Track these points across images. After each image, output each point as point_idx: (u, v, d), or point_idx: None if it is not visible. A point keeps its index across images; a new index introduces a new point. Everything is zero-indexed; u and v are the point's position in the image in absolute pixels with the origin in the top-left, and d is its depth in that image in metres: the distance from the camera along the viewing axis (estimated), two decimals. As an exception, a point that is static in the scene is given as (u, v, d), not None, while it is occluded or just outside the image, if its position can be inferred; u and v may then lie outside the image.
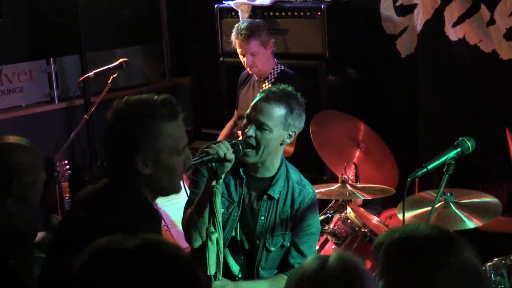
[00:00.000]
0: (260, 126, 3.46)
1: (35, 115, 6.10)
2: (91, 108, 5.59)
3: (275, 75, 5.26)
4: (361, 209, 4.72)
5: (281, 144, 3.55)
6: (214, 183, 3.18)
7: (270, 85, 5.13)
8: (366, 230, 4.30)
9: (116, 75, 5.56)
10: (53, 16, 6.13)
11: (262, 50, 5.25)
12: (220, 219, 3.13)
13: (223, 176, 3.25)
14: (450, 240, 2.16)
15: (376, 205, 5.50)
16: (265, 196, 3.56)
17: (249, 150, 3.44)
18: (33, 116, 6.08)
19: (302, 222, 3.60)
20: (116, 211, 2.56)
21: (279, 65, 5.36)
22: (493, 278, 3.65)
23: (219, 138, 5.50)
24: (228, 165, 3.23)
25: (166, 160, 2.60)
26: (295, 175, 3.64)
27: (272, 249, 3.58)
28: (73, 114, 6.04)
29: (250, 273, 3.62)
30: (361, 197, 4.48)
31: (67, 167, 5.34)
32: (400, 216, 3.67)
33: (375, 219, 4.64)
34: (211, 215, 3.10)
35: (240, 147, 3.37)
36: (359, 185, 4.62)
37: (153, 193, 2.66)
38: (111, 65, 5.61)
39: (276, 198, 3.56)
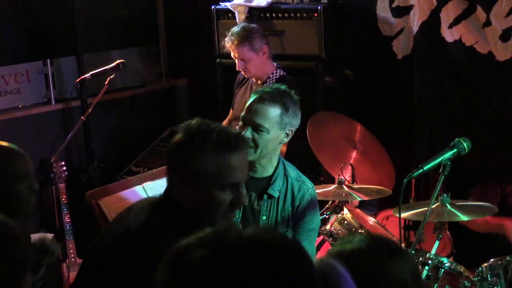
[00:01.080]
0: (257, 128, 3.49)
1: (32, 116, 6.09)
2: (88, 110, 5.59)
3: (274, 80, 5.23)
4: (358, 210, 4.74)
5: (279, 144, 3.56)
6: None
7: None
8: (362, 231, 4.31)
9: (112, 76, 5.57)
10: (50, 17, 6.13)
11: (254, 55, 5.21)
12: None
13: None
14: (386, 252, 2.12)
15: (373, 206, 5.50)
16: (265, 196, 3.56)
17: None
18: (29, 117, 6.08)
19: (303, 218, 3.61)
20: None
21: (278, 70, 5.33)
22: (489, 279, 3.66)
23: None
24: None
25: (205, 188, 2.56)
26: (293, 172, 3.65)
27: None
28: (69, 115, 6.04)
29: None
30: (358, 198, 4.49)
31: (64, 168, 5.34)
32: (396, 216, 3.68)
33: (371, 220, 4.65)
34: None
35: None
36: (355, 186, 4.63)
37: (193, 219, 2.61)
38: (107, 67, 5.61)
39: (276, 196, 3.57)
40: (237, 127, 3.59)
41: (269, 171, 3.59)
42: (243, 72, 5.32)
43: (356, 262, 2.05)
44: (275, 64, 5.37)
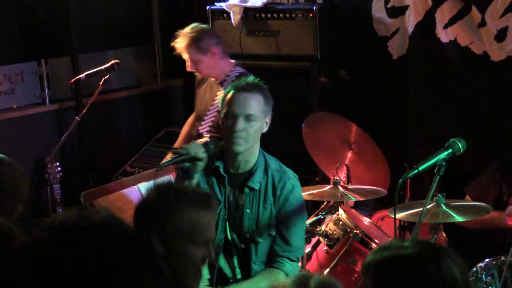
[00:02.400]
0: (248, 118, 3.55)
1: (27, 117, 6.08)
2: (82, 110, 5.58)
3: (233, 78, 5.20)
4: (353, 210, 4.73)
5: (260, 133, 3.64)
6: (186, 183, 3.26)
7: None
8: (358, 232, 4.31)
9: (107, 76, 5.55)
10: (44, 18, 6.11)
11: (202, 57, 5.15)
12: None
13: (195, 176, 3.32)
14: (435, 255, 2.20)
15: (368, 206, 5.50)
16: (246, 189, 3.58)
17: (239, 139, 3.52)
18: (24, 118, 6.06)
19: (285, 209, 3.61)
20: None
21: (237, 68, 5.28)
22: (484, 279, 3.66)
23: (180, 138, 5.48)
24: (200, 164, 3.34)
25: (180, 245, 2.61)
26: (274, 164, 3.68)
27: (260, 240, 3.59)
28: (64, 116, 6.02)
29: (246, 271, 3.62)
30: (353, 198, 4.49)
31: (59, 169, 5.33)
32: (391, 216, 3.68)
33: (366, 221, 4.65)
34: None
35: (212, 146, 3.50)
36: (350, 186, 4.63)
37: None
38: (102, 67, 5.60)
39: (257, 188, 3.59)
40: (225, 122, 3.58)
41: (251, 164, 3.62)
42: (195, 73, 5.31)
43: (411, 267, 2.15)
44: (233, 61, 5.34)
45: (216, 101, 5.18)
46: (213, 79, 5.29)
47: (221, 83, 5.21)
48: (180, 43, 5.16)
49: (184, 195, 2.68)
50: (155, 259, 2.59)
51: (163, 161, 3.74)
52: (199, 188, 2.86)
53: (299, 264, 3.81)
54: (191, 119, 5.57)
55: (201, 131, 5.28)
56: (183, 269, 2.65)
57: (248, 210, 3.58)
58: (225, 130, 3.58)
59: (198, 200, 2.68)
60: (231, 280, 3.61)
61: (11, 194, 3.47)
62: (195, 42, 5.14)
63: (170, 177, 4.02)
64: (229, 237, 3.60)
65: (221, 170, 3.61)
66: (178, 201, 2.65)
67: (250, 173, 3.61)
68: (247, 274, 3.62)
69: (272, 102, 3.70)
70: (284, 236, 3.62)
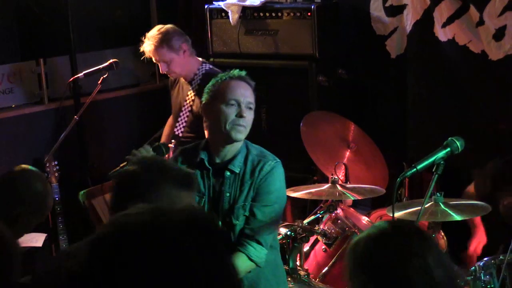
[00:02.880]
0: (248, 106, 3.62)
1: (25, 116, 6.07)
2: (81, 109, 5.58)
3: (200, 76, 5.23)
4: (351, 209, 4.73)
5: None
6: None
7: (196, 87, 5.16)
8: (356, 231, 4.31)
9: (106, 75, 5.55)
10: (43, 17, 6.11)
11: (174, 56, 5.17)
12: None
13: None
14: (411, 237, 2.18)
15: (366, 205, 5.51)
16: (226, 172, 3.58)
17: (242, 127, 3.57)
18: (22, 117, 6.06)
19: (261, 189, 3.59)
20: None
21: (204, 65, 5.31)
22: (482, 278, 3.67)
23: (162, 141, 5.48)
24: None
25: None
26: (255, 150, 3.68)
27: (236, 222, 3.56)
28: (63, 115, 6.01)
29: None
30: (351, 197, 4.49)
31: (57, 168, 5.33)
32: (390, 215, 3.68)
33: (365, 220, 4.65)
34: None
35: (163, 148, 3.58)
36: (349, 185, 4.63)
37: None
38: (101, 66, 5.59)
39: (237, 172, 3.59)
40: (228, 113, 3.58)
41: (234, 152, 3.63)
42: (168, 74, 5.33)
43: (379, 248, 2.14)
44: (200, 59, 5.35)
45: (188, 101, 5.20)
46: (183, 80, 5.32)
47: (190, 82, 5.25)
48: (150, 46, 5.19)
49: (167, 172, 2.60)
50: None
51: (112, 171, 3.78)
52: (183, 167, 2.79)
53: (264, 249, 3.62)
54: (170, 121, 5.59)
55: (176, 133, 5.30)
56: None
57: (227, 194, 3.58)
58: (223, 117, 3.57)
59: (180, 179, 2.60)
60: None
61: (38, 213, 3.50)
62: (165, 42, 5.17)
63: None
64: None
65: (206, 162, 3.62)
66: (160, 177, 2.57)
67: (232, 158, 3.62)
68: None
69: None
70: (254, 214, 3.57)
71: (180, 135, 5.23)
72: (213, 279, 1.60)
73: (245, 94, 3.62)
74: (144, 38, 5.25)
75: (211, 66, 5.33)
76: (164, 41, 5.16)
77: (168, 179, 2.58)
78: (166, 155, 3.59)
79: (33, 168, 3.61)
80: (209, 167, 3.62)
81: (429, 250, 2.15)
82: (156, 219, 1.65)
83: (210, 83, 3.71)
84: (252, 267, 3.54)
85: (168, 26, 5.31)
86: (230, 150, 3.62)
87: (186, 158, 3.66)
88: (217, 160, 3.62)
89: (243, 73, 3.72)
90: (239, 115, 3.56)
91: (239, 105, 3.58)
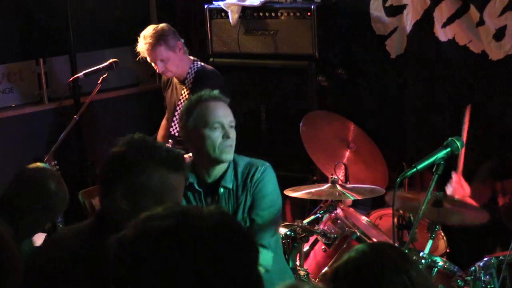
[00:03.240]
0: (231, 125, 3.59)
1: (25, 115, 6.07)
2: (81, 109, 5.57)
3: (193, 75, 5.24)
4: (351, 209, 4.73)
5: None
6: None
7: (190, 85, 5.17)
8: (355, 231, 4.31)
9: (106, 75, 5.54)
10: (43, 16, 6.11)
11: (172, 54, 5.20)
12: None
13: None
14: (389, 263, 2.16)
15: (366, 205, 5.50)
16: (220, 189, 3.57)
17: (230, 148, 3.55)
18: (22, 116, 6.05)
19: (256, 195, 3.59)
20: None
21: (195, 63, 5.33)
22: (482, 278, 3.67)
23: (159, 141, 5.48)
24: None
25: (144, 205, 2.39)
26: (242, 161, 3.66)
27: None
28: (62, 114, 6.01)
29: None
30: (351, 197, 4.48)
31: (57, 167, 5.32)
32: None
33: (364, 220, 4.65)
34: None
35: None
36: (349, 185, 4.63)
37: None
38: (101, 66, 5.58)
39: (231, 187, 3.58)
40: (216, 137, 3.56)
41: (223, 168, 3.61)
42: (164, 74, 5.33)
43: (358, 274, 2.12)
44: (191, 58, 5.37)
45: (182, 100, 5.20)
46: (175, 80, 5.34)
47: (183, 81, 5.27)
48: (146, 46, 5.19)
49: (157, 153, 2.54)
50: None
51: None
52: (172, 149, 2.73)
53: (270, 251, 3.62)
54: (163, 123, 5.60)
55: (172, 132, 5.30)
56: None
57: None
58: (210, 142, 3.55)
59: (170, 161, 2.54)
60: None
61: (51, 211, 3.51)
62: (163, 40, 5.18)
63: None
64: None
65: (196, 185, 3.60)
66: (150, 158, 2.53)
67: (222, 175, 3.60)
68: None
69: None
70: (253, 220, 3.57)
71: (176, 134, 5.23)
72: (248, 281, 1.60)
73: (225, 114, 3.59)
74: (139, 37, 5.25)
75: (202, 64, 5.36)
76: (161, 39, 5.17)
77: (157, 160, 2.52)
78: None
79: (48, 166, 3.61)
80: (200, 189, 3.61)
81: (410, 270, 2.15)
82: (184, 222, 1.63)
83: (186, 108, 3.65)
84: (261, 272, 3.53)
85: (163, 24, 5.32)
86: (220, 168, 3.61)
87: None
88: (209, 180, 3.60)
89: (217, 92, 3.67)
90: (226, 137, 3.54)
91: (223, 127, 3.55)
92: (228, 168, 3.61)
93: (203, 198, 3.60)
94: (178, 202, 2.55)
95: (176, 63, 5.24)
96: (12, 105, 6.08)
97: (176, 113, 5.28)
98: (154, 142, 2.68)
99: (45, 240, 3.21)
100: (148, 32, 5.23)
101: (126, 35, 6.63)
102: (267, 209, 3.60)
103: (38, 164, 3.69)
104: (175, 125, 5.30)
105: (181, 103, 5.23)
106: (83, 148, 6.07)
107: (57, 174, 3.73)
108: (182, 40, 5.33)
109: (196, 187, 3.60)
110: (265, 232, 3.58)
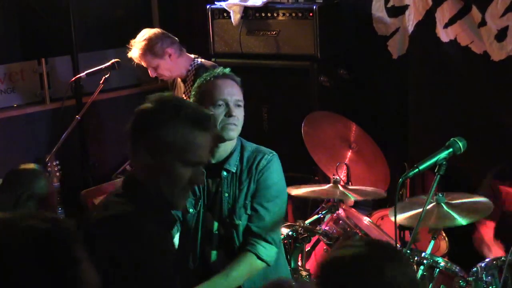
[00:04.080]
0: (237, 104, 3.54)
1: (27, 115, 6.08)
2: (83, 109, 5.58)
3: (194, 72, 5.28)
4: (353, 209, 4.73)
5: None
6: None
7: (191, 82, 5.18)
8: (357, 231, 4.31)
9: (108, 75, 5.55)
10: (45, 17, 6.11)
11: (159, 61, 5.24)
12: None
13: None
14: (377, 259, 2.13)
15: (367, 205, 5.50)
16: (223, 172, 3.54)
17: (233, 125, 3.51)
18: (24, 116, 6.06)
19: (260, 184, 3.55)
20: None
21: (195, 60, 5.36)
22: (484, 279, 3.67)
23: None
24: None
25: (168, 161, 2.53)
26: (250, 146, 3.63)
27: (239, 222, 3.51)
28: (64, 114, 6.00)
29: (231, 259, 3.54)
30: (353, 197, 4.49)
31: (59, 167, 5.33)
32: (392, 218, 3.67)
33: (366, 220, 4.65)
34: None
35: None
36: (350, 185, 4.63)
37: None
38: (103, 66, 5.59)
39: (234, 171, 3.54)
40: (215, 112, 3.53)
41: (228, 150, 3.58)
42: (159, 77, 5.42)
43: (356, 268, 2.09)
44: (191, 56, 5.39)
45: (184, 99, 5.22)
46: (179, 79, 5.39)
47: (185, 80, 5.33)
48: (135, 53, 5.23)
49: (183, 110, 2.57)
50: None
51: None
52: (201, 108, 2.75)
53: (274, 247, 3.58)
54: None
55: None
56: (168, 185, 2.56)
57: (226, 194, 3.53)
58: (217, 117, 3.51)
59: (196, 118, 2.58)
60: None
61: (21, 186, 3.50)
62: (149, 49, 5.24)
63: None
64: (215, 229, 3.54)
65: None
66: (175, 114, 2.56)
67: (227, 157, 3.56)
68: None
69: None
70: (258, 211, 3.52)
71: None
72: None
73: (231, 92, 3.54)
74: (130, 44, 5.29)
75: (203, 60, 5.38)
76: (147, 49, 5.24)
77: (182, 116, 2.56)
78: None
79: (37, 167, 3.62)
80: (203, 170, 3.59)
81: (403, 270, 2.14)
82: None
83: (196, 85, 3.65)
84: (262, 267, 3.51)
85: (151, 32, 5.34)
86: (224, 149, 3.55)
87: None
88: (213, 161, 3.55)
89: (227, 70, 3.64)
90: (228, 115, 3.50)
91: (227, 104, 3.51)
92: (234, 151, 3.57)
93: (206, 179, 3.52)
94: (204, 161, 2.62)
95: (168, 67, 5.28)
96: (14, 105, 6.09)
97: None
98: (182, 100, 2.77)
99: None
100: (137, 39, 5.30)
101: (128, 35, 6.63)
102: (273, 200, 3.55)
103: (27, 164, 3.69)
104: None
105: None
106: (85, 148, 6.07)
107: (44, 172, 3.73)
108: (175, 44, 5.33)
109: None
110: (271, 226, 3.54)
